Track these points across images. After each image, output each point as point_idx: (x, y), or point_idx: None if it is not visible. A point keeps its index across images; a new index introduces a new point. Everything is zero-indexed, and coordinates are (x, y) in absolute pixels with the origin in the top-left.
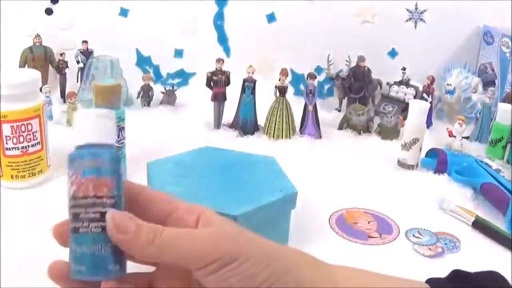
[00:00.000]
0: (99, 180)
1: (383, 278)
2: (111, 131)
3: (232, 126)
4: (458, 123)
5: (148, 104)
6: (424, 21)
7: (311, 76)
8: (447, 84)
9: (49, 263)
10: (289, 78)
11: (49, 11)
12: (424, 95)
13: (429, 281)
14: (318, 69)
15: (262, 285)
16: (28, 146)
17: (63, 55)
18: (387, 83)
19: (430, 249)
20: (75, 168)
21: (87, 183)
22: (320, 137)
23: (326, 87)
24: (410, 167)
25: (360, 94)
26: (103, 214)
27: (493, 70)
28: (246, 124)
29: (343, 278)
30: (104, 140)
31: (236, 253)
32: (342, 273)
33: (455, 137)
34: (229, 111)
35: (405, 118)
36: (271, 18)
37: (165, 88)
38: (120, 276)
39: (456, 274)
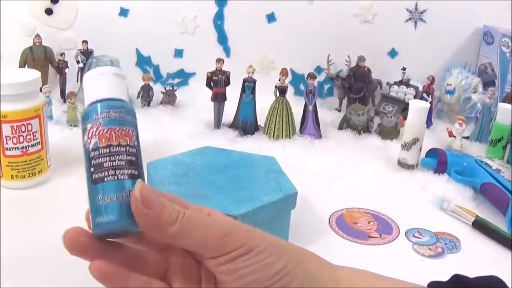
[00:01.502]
0: (121, 130)
1: (385, 280)
2: (124, 89)
3: (232, 126)
4: (458, 123)
5: (148, 104)
6: (424, 21)
7: (311, 76)
8: (447, 84)
9: (51, 262)
10: (289, 78)
11: (49, 11)
12: (424, 95)
13: (430, 284)
14: (318, 69)
15: (273, 277)
16: (28, 146)
17: (63, 55)
18: (387, 83)
19: (430, 249)
20: (94, 120)
21: (110, 132)
22: (320, 137)
23: (326, 87)
24: (410, 167)
25: (360, 94)
26: (127, 162)
27: (493, 70)
28: (246, 124)
29: (345, 277)
30: (118, 96)
31: (252, 244)
32: (344, 272)
33: (455, 137)
34: (229, 111)
35: (405, 118)
36: (271, 18)
37: (165, 88)
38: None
39: (457, 279)
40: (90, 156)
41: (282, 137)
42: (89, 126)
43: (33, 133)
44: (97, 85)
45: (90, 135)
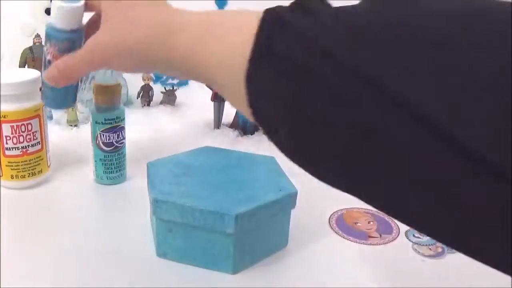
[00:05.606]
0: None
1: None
2: (76, 18)
3: (232, 126)
4: None
5: (148, 104)
6: None
7: None
8: None
9: (50, 262)
10: None
11: (49, 11)
12: None
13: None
14: None
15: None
16: (28, 146)
17: None
18: None
19: (430, 249)
20: (53, 44)
21: (60, 57)
22: None
23: None
24: None
25: None
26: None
27: None
28: (246, 124)
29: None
30: (71, 27)
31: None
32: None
33: None
34: (229, 111)
35: None
36: None
37: (165, 88)
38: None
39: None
40: (46, 66)
41: None
42: (48, 44)
43: (33, 133)
44: (56, 14)
45: (48, 52)
